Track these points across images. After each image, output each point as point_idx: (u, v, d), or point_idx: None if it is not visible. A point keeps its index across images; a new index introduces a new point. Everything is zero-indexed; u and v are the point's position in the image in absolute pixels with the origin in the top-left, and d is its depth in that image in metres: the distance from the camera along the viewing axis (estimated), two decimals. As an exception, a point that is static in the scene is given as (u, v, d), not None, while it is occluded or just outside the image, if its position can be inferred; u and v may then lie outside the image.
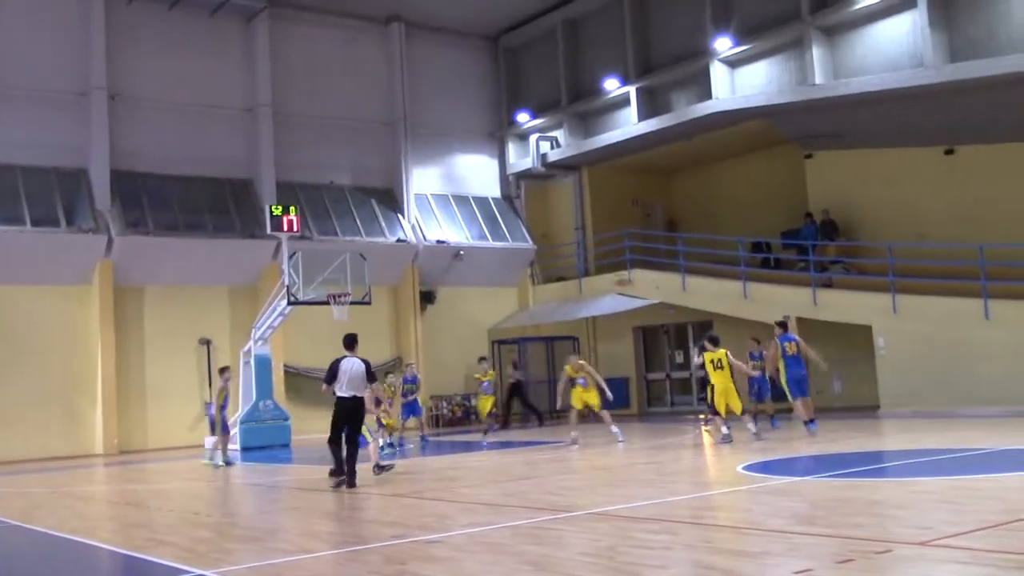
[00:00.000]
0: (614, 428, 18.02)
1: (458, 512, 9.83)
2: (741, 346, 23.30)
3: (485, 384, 22.64)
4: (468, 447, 19.66)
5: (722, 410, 16.46)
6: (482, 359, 23.76)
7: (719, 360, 16.60)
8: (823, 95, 22.76)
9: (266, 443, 22.13)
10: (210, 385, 25.48)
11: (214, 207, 26.46)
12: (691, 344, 28.73)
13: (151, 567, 7.69)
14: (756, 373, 18.42)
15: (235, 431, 22.76)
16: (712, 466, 13.51)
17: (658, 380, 29.42)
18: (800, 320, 23.18)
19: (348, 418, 12.55)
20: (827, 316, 22.62)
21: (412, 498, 11.04)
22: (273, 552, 8.00)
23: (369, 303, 22.38)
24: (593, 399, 18.43)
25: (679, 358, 28.97)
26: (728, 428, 16.29)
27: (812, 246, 23.90)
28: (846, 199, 25.06)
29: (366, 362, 12.73)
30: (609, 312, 27.54)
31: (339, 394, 12.49)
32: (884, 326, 21.43)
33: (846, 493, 9.40)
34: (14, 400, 23.14)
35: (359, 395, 12.54)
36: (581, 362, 19.21)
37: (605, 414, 18.34)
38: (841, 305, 22.52)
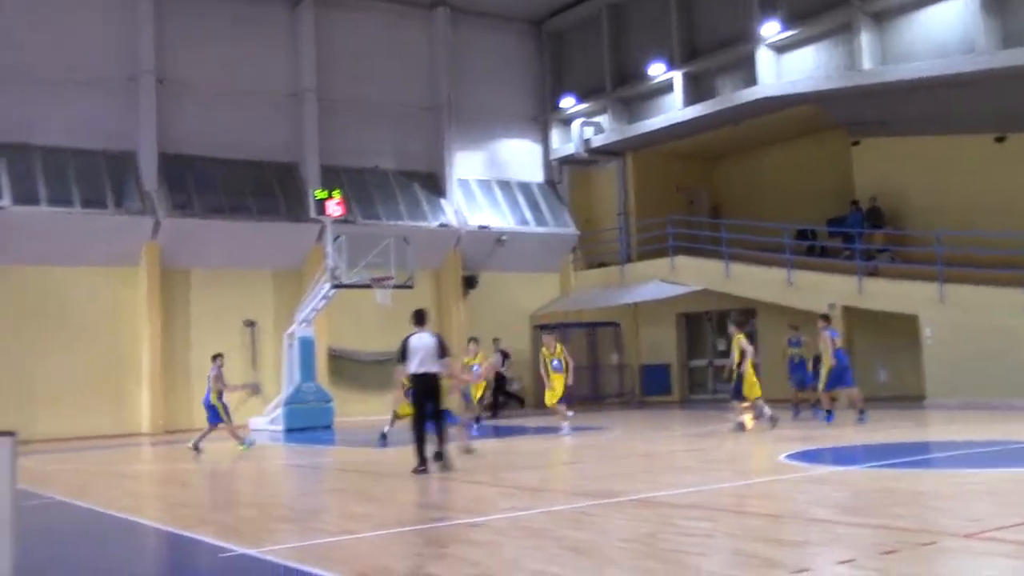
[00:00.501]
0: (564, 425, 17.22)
1: (499, 496, 9.87)
2: (782, 334, 23.12)
3: (475, 368, 20.76)
4: (510, 431, 19.70)
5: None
6: (472, 340, 21.77)
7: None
8: (871, 81, 22.45)
9: (309, 424, 22.36)
10: (254, 367, 25.80)
11: (259, 191, 26.70)
12: (789, 330, 28.46)
13: (197, 545, 7.82)
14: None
15: (277, 412, 23.08)
16: (754, 454, 13.43)
17: (700, 367, 29.29)
18: (845, 309, 22.96)
19: (425, 395, 12.08)
20: (873, 305, 22.37)
21: (453, 481, 11.10)
22: (315, 532, 8.09)
23: (412, 287, 22.50)
24: (559, 385, 17.31)
25: (721, 345, 28.79)
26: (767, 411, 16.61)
27: (858, 234, 23.60)
28: (893, 186, 24.71)
29: (438, 336, 12.37)
30: (651, 299, 27.43)
31: (412, 371, 12.07)
32: (931, 316, 21.15)
33: (890, 483, 9.31)
34: (63, 379, 23.56)
35: (432, 370, 12.05)
36: (556, 344, 17.95)
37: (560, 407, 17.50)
38: (887, 294, 22.24)
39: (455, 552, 6.75)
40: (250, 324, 26.04)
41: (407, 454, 13.17)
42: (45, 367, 23.33)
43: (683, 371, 29.17)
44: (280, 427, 22.43)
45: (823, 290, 23.36)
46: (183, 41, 26.13)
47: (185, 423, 24.76)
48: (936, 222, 22.80)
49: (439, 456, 11.95)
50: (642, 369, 29.78)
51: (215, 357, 17.60)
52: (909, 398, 22.04)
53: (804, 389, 19.32)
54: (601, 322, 29.69)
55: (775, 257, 24.87)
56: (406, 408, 19.69)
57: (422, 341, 12.11)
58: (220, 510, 9.73)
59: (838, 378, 17.55)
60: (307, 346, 23.12)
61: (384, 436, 16.43)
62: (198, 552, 7.64)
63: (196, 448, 16.89)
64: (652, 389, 29.38)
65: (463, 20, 30.42)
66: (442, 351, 12.16)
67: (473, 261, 29.27)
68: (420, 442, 11.90)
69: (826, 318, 18.46)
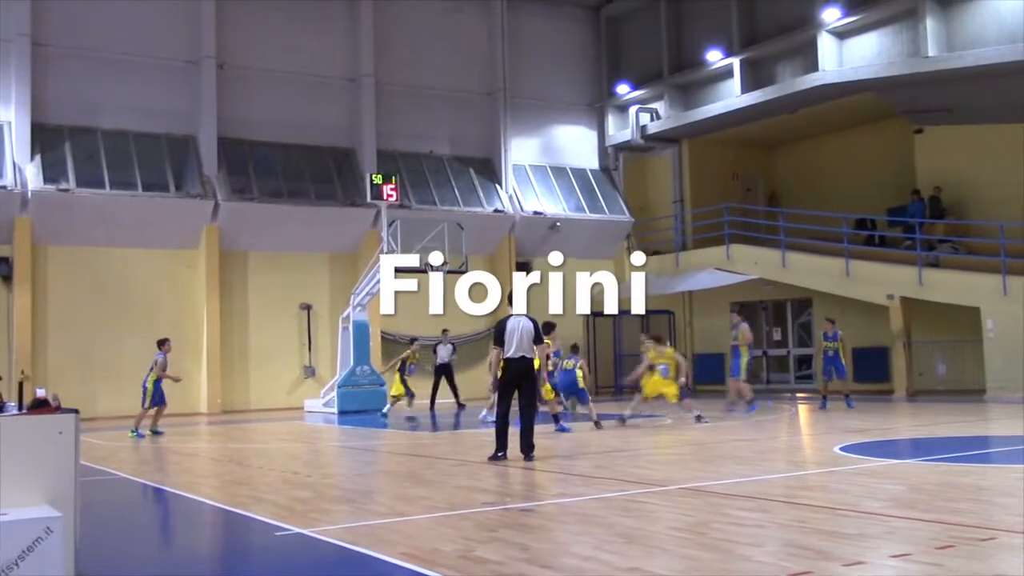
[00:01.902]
0: (694, 411, 17.03)
1: (550, 482, 9.90)
2: (842, 324, 22.78)
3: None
4: (560, 417, 19.64)
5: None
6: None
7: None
8: (936, 68, 21.98)
9: (362, 407, 22.56)
10: (310, 349, 26.11)
11: (316, 175, 26.95)
12: (789, 321, 28.28)
13: (251, 523, 7.95)
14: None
15: (332, 395, 23.32)
16: (808, 445, 13.30)
17: (755, 357, 28.97)
18: (904, 300, 22.61)
19: (518, 381, 11.56)
20: (933, 297, 21.98)
21: (504, 466, 11.14)
22: (367, 514, 8.19)
23: (466, 272, 22.52)
24: (671, 391, 17.03)
25: (776, 335, 28.52)
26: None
27: (919, 224, 23.19)
28: (957, 176, 24.22)
29: (534, 320, 11.90)
30: (706, 287, 27.23)
31: (507, 355, 11.55)
32: (993, 308, 20.73)
33: (948, 477, 9.16)
34: (125, 358, 23.98)
35: (528, 356, 11.57)
36: (666, 348, 17.80)
37: (687, 402, 17.22)
38: (948, 286, 21.85)
39: (504, 536, 6.78)
40: (306, 307, 26.33)
41: (459, 438, 13.25)
42: (107, 346, 23.84)
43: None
44: (334, 409, 22.68)
45: (882, 281, 23.01)
46: (243, 26, 26.43)
47: (242, 403, 25.19)
48: (1000, 213, 22.31)
49: (529, 448, 11.38)
50: (696, 358, 29.59)
51: (161, 343, 17.76)
52: (969, 392, 21.66)
53: (832, 381, 19.58)
54: (655, 310, 29.51)
55: (833, 247, 24.54)
56: (399, 388, 20.34)
57: (520, 324, 11.66)
58: (275, 490, 9.88)
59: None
60: (362, 330, 23.32)
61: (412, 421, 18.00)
62: (254, 530, 7.77)
63: (137, 434, 16.98)
64: (706, 378, 29.18)
65: (520, 6, 30.37)
66: (538, 337, 11.74)
67: (527, 247, 29.27)
68: (503, 428, 11.53)
69: (832, 322, 19.66)
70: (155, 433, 17.34)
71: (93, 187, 23.79)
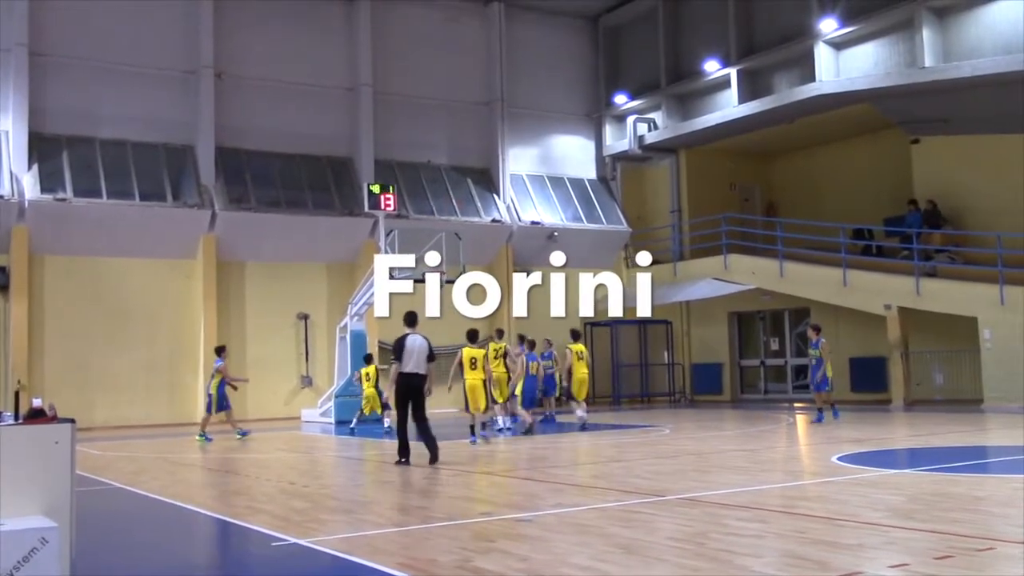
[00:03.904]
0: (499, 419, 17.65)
1: (548, 492, 9.87)
2: (835, 335, 22.85)
3: None
4: (560, 427, 19.68)
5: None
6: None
7: (583, 352, 18.97)
8: (933, 79, 22.04)
9: (351, 418, 22.46)
10: (307, 359, 26.07)
11: (314, 184, 26.96)
12: (787, 331, 28.28)
13: (248, 533, 7.92)
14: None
15: (329, 405, 23.27)
16: (806, 455, 13.29)
17: (752, 367, 29.02)
18: (902, 310, 22.61)
19: (411, 394, 12.52)
20: (931, 306, 21.99)
21: (502, 476, 11.12)
22: (364, 524, 8.16)
23: (463, 282, 22.51)
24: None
25: (774, 345, 28.53)
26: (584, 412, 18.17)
27: (916, 234, 23.21)
28: (954, 186, 24.25)
29: (428, 340, 12.72)
30: (704, 297, 27.23)
31: (403, 371, 12.45)
32: (991, 318, 20.74)
33: (946, 487, 9.15)
34: (122, 368, 24.02)
35: (421, 372, 12.50)
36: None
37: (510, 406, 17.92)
38: (946, 295, 21.86)
39: (502, 547, 6.76)
40: (303, 317, 26.31)
41: (456, 448, 13.24)
42: (104, 356, 23.81)
43: (734, 370, 28.92)
44: (331, 419, 22.63)
45: (879, 291, 23.04)
46: (241, 36, 26.47)
47: (238, 413, 25.01)
48: (997, 223, 22.33)
49: (433, 460, 12.25)
50: (693, 368, 29.59)
51: (219, 350, 18.98)
52: (967, 401, 21.65)
53: (821, 391, 18.71)
54: (652, 320, 29.51)
55: (830, 256, 24.56)
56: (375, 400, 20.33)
57: (416, 342, 12.56)
58: (272, 500, 9.85)
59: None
60: (359, 339, 23.28)
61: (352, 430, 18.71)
62: (251, 540, 7.75)
63: (206, 439, 17.91)
64: (703, 388, 29.19)
65: (518, 15, 30.44)
66: (431, 355, 12.63)
67: (525, 257, 29.25)
68: (404, 437, 12.56)
69: (817, 330, 18.68)
70: (204, 438, 17.98)
71: (90, 197, 23.78)
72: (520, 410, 17.93)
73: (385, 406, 19.59)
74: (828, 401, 18.77)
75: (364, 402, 20.48)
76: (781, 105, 25.56)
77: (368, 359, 20.94)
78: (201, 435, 18.06)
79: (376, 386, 20.17)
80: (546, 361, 21.02)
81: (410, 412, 12.57)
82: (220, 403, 18.37)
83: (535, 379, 16.71)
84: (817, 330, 18.75)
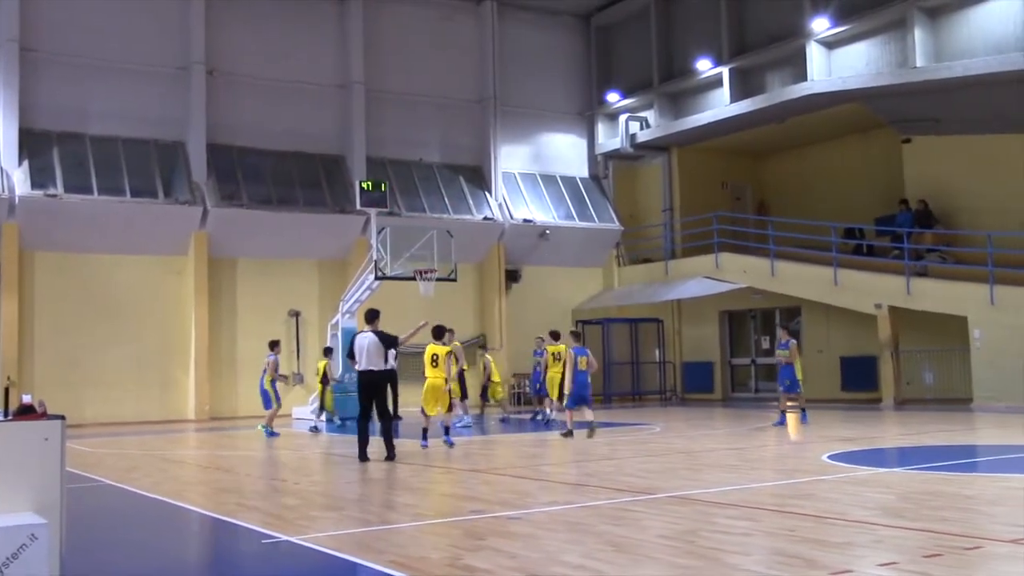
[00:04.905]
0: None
1: (538, 490, 9.88)
2: (827, 334, 22.95)
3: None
4: (550, 426, 19.69)
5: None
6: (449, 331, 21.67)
7: (559, 353, 18.61)
8: (924, 78, 22.11)
9: (352, 414, 22.41)
10: (298, 356, 26.03)
11: (306, 182, 26.92)
12: (778, 330, 28.30)
13: (238, 530, 7.92)
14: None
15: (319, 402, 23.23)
16: (796, 454, 13.32)
17: (743, 365, 29.08)
18: (893, 309, 22.68)
19: (371, 391, 12.66)
20: (921, 306, 22.07)
21: (493, 474, 11.13)
22: (355, 522, 8.16)
23: (455, 280, 22.57)
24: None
25: (765, 343, 28.58)
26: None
27: (907, 233, 23.28)
28: (945, 186, 24.32)
29: (379, 333, 12.84)
30: (695, 296, 27.28)
31: (358, 368, 12.71)
32: (981, 317, 20.82)
33: (935, 486, 9.18)
34: (112, 365, 23.98)
35: (376, 368, 12.63)
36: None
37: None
38: (936, 295, 21.93)
39: (493, 544, 6.77)
40: (294, 314, 26.27)
41: (445, 446, 13.22)
42: (94, 352, 23.76)
43: (725, 369, 28.98)
44: (322, 417, 22.56)
45: (870, 290, 23.11)
46: (233, 32, 26.42)
47: (229, 411, 25.09)
48: (988, 223, 22.43)
49: (390, 458, 12.46)
50: (684, 366, 29.64)
51: (274, 344, 18.88)
52: (957, 401, 21.73)
53: (793, 393, 18.08)
54: (644, 318, 29.59)
55: (821, 256, 24.63)
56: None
57: (365, 340, 12.71)
58: (262, 497, 9.84)
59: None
60: (351, 336, 23.21)
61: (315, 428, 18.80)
62: (241, 537, 7.74)
63: (271, 434, 18.02)
64: (694, 386, 29.25)
65: (511, 14, 30.44)
66: (387, 343, 12.70)
67: (516, 255, 29.30)
68: (364, 435, 12.64)
69: (787, 329, 18.57)
70: (268, 432, 18.05)
71: (81, 193, 23.71)
72: (557, 409, 17.69)
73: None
74: (796, 404, 18.25)
75: (325, 399, 20.55)
76: (773, 104, 25.61)
77: (327, 352, 20.79)
78: (264, 427, 18.20)
79: (323, 380, 20.20)
80: (537, 357, 21.41)
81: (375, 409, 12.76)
82: (278, 397, 18.48)
83: (585, 374, 15.98)
84: (787, 331, 18.50)
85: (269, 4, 27.05)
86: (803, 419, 17.93)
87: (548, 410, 19.81)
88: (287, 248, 26.05)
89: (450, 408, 14.86)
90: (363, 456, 12.59)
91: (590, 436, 15.21)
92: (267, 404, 18.44)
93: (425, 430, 14.49)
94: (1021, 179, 22.72)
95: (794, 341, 18.26)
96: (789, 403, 18.24)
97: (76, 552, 6.36)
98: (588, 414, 15.56)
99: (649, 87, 29.88)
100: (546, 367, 19.74)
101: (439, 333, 14.77)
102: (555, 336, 19.52)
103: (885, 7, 23.15)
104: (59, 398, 20.16)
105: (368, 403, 12.83)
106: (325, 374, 20.40)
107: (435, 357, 14.29)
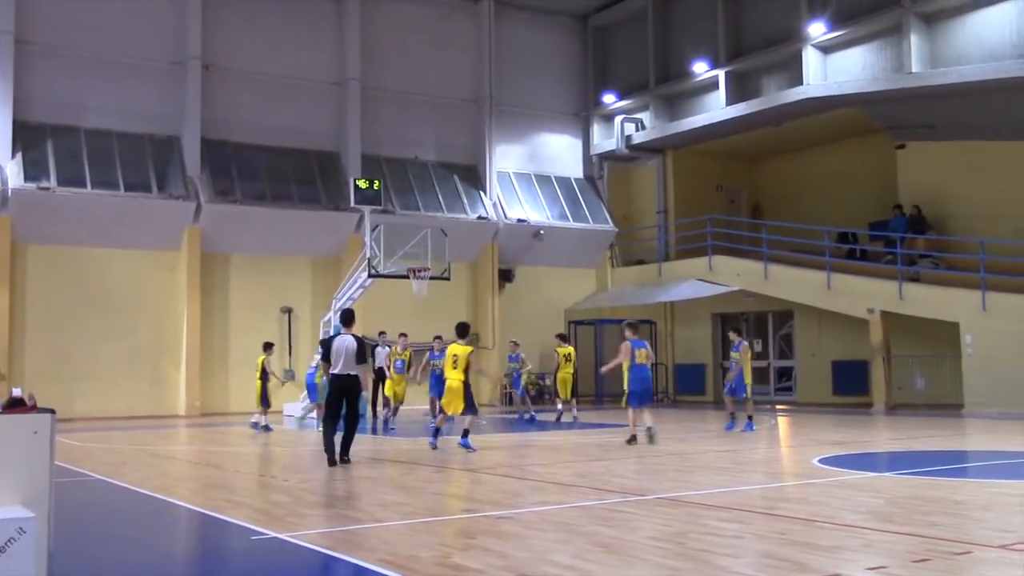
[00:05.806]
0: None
1: (529, 490, 9.88)
2: (818, 337, 22.95)
3: (399, 363, 19.35)
4: (542, 426, 19.70)
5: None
6: (402, 335, 20.22)
7: (570, 355, 19.73)
8: (920, 84, 22.17)
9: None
10: (290, 353, 25.99)
11: (300, 178, 26.89)
12: (771, 333, 28.38)
13: (228, 526, 7.90)
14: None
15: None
16: (787, 457, 13.33)
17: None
18: (885, 314, 22.72)
19: (344, 394, 12.40)
20: (913, 311, 22.11)
21: (484, 474, 11.12)
22: (345, 519, 8.15)
23: (448, 279, 22.56)
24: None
25: (758, 346, 28.60)
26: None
27: (901, 239, 23.33)
28: (939, 192, 24.37)
29: (359, 339, 12.53)
30: (688, 298, 27.30)
31: (333, 371, 12.36)
32: (972, 324, 20.86)
33: (925, 491, 9.20)
34: (104, 359, 23.92)
35: (353, 373, 12.36)
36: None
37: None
38: (928, 300, 21.98)
39: (482, 544, 6.76)
40: (287, 311, 26.23)
41: (444, 445, 13.20)
42: (85, 346, 23.70)
43: (717, 371, 28.98)
44: (314, 414, 22.55)
45: (862, 294, 23.13)
46: (229, 28, 26.38)
47: (220, 406, 25.05)
48: (981, 229, 22.48)
49: (344, 460, 12.25)
50: (676, 368, 29.66)
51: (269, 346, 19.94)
52: (948, 406, 21.78)
53: (739, 398, 17.47)
54: (637, 320, 29.56)
55: (814, 260, 24.66)
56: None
57: (345, 343, 12.38)
58: (252, 494, 9.82)
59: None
60: (327, 338, 23.17)
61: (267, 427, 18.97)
62: (230, 534, 7.72)
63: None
64: (686, 388, 29.27)
65: (508, 13, 30.44)
66: (361, 355, 12.40)
67: (510, 255, 29.29)
68: (331, 438, 12.27)
69: (739, 332, 17.61)
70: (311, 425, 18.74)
71: (75, 186, 23.65)
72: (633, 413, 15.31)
73: (264, 402, 19.27)
74: (743, 409, 17.45)
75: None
76: (768, 108, 25.65)
77: (267, 347, 19.88)
78: (302, 418, 19.35)
79: (262, 377, 19.40)
80: (513, 364, 22.40)
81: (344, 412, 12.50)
82: (313, 393, 19.18)
83: (645, 368, 14.69)
84: (739, 333, 17.58)
85: (266, 1, 27.00)
86: (748, 427, 16.91)
87: (552, 410, 19.56)
88: (280, 244, 26.01)
89: (465, 410, 13.77)
90: (332, 461, 12.14)
91: (651, 442, 14.34)
92: (313, 396, 19.27)
93: (437, 430, 14.13)
94: (1015, 186, 22.77)
95: (745, 343, 17.39)
96: (734, 408, 17.46)
97: (64, 546, 6.33)
98: (647, 417, 14.65)
99: (645, 89, 29.91)
100: (557, 368, 20.43)
101: (463, 331, 14.16)
102: (563, 338, 19.82)
103: (882, 12, 23.20)
104: (50, 392, 20.13)
105: (339, 407, 12.47)
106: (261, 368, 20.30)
107: (455, 358, 13.64)
